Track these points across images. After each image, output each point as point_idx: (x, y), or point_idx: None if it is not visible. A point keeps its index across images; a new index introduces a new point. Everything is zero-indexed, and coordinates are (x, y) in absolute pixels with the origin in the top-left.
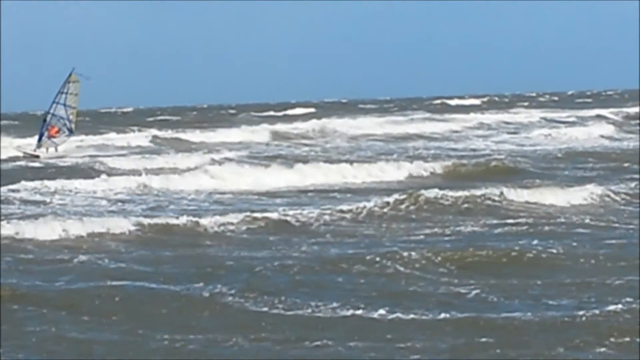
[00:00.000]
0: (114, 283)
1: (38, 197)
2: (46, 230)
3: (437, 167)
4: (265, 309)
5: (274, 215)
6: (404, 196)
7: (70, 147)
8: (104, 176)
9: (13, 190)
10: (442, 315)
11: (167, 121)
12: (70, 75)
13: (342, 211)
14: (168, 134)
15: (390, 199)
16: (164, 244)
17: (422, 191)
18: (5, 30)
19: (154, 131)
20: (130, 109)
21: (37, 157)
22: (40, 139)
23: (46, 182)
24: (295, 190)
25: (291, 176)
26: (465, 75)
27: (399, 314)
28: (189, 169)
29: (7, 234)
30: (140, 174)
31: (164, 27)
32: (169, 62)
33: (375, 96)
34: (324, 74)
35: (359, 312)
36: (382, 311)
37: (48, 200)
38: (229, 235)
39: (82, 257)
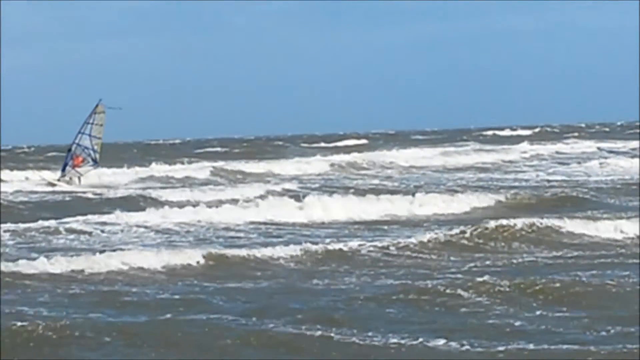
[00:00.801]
0: (183, 317)
1: (97, 229)
2: (108, 263)
3: (498, 198)
4: (337, 337)
5: (344, 247)
6: (468, 227)
7: (122, 179)
8: (166, 208)
9: (72, 222)
10: (501, 347)
11: (217, 153)
12: (97, 106)
13: (405, 242)
14: (225, 165)
15: (455, 231)
16: (227, 276)
17: (486, 222)
18: (56, 64)
19: (206, 163)
20: (177, 141)
21: (59, 185)
22: (64, 169)
23: (109, 215)
24: (358, 220)
25: (354, 207)
26: (511, 106)
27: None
28: (249, 200)
29: (75, 268)
30: (199, 205)
31: (204, 58)
32: (212, 93)
33: (421, 127)
34: (368, 105)
35: (414, 341)
36: (441, 341)
37: (106, 232)
38: (291, 266)
39: (144, 289)
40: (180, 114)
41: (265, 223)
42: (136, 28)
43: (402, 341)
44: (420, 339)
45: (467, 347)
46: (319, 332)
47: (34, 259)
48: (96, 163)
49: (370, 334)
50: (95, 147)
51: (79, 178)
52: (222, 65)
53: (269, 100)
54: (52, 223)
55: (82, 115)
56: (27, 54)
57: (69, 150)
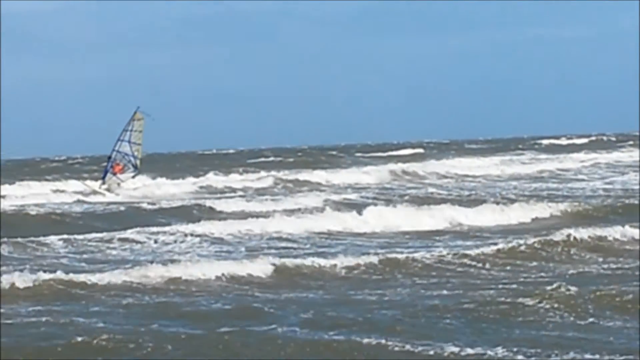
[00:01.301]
0: (240, 328)
1: (151, 240)
2: (163, 274)
3: (558, 207)
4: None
5: (401, 256)
6: (531, 237)
7: (177, 189)
8: (222, 218)
9: (127, 233)
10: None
11: (272, 162)
12: (135, 113)
13: (465, 252)
14: (282, 174)
15: (518, 241)
16: (283, 285)
17: (550, 232)
18: (104, 76)
19: (263, 173)
20: (231, 151)
21: (101, 192)
22: (104, 176)
23: (164, 226)
24: (417, 230)
25: (412, 216)
26: (563, 114)
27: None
28: (307, 210)
29: (129, 279)
30: (256, 215)
31: (255, 67)
32: (263, 103)
33: (473, 136)
34: (420, 114)
35: (470, 350)
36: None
37: (160, 242)
38: (348, 275)
39: (199, 300)
40: (231, 124)
41: (323, 233)
42: (188, 38)
43: (456, 349)
44: (478, 349)
45: (521, 356)
46: (375, 341)
47: (89, 269)
48: (137, 169)
49: (426, 343)
50: (136, 154)
51: (119, 185)
52: (272, 75)
53: (319, 110)
54: (107, 233)
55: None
56: (83, 65)
57: (109, 157)
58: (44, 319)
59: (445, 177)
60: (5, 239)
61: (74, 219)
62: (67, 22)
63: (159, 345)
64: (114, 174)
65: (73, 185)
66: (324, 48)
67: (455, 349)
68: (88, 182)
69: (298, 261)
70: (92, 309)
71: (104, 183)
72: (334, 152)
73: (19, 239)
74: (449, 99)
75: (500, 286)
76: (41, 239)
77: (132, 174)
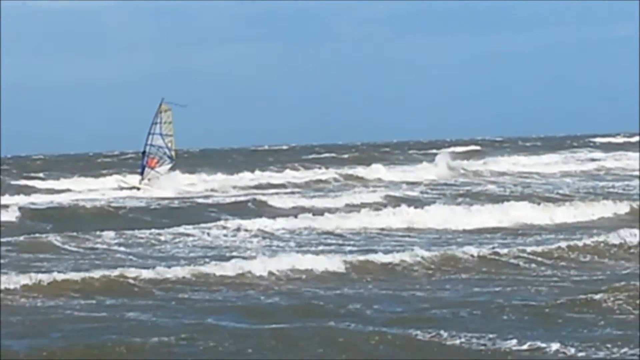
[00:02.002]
0: (297, 324)
1: (205, 235)
2: (216, 269)
3: (624, 205)
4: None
5: (461, 253)
6: (602, 236)
7: (230, 184)
8: (277, 214)
9: (181, 228)
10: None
11: (326, 158)
12: (160, 105)
13: (535, 249)
14: (337, 171)
15: (586, 238)
16: (356, 281)
17: (619, 230)
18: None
19: (319, 169)
20: (284, 147)
21: (142, 188)
22: (142, 172)
23: (218, 222)
24: (484, 228)
25: (470, 213)
26: (612, 112)
27: None
28: (364, 205)
29: (184, 275)
30: (313, 211)
31: (308, 65)
32: (314, 100)
33: (525, 134)
34: (470, 111)
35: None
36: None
37: (212, 237)
38: (426, 272)
39: (254, 295)
40: (281, 121)
41: (385, 229)
42: (242, 34)
43: (514, 343)
44: (537, 343)
45: (582, 353)
46: (428, 336)
47: (143, 265)
48: (172, 160)
49: (490, 337)
50: (169, 145)
51: (158, 178)
52: (326, 72)
53: (370, 107)
54: (162, 229)
55: (191, 120)
56: (134, 61)
57: (143, 153)
58: (94, 314)
59: (504, 174)
60: (60, 233)
61: (128, 214)
62: (122, 21)
63: (221, 341)
64: (152, 168)
65: (119, 180)
66: (374, 46)
67: (514, 342)
68: (128, 178)
69: (362, 257)
70: (144, 303)
71: (143, 178)
72: (387, 149)
73: (74, 233)
74: (499, 97)
75: (566, 283)
76: (96, 233)
77: (169, 166)
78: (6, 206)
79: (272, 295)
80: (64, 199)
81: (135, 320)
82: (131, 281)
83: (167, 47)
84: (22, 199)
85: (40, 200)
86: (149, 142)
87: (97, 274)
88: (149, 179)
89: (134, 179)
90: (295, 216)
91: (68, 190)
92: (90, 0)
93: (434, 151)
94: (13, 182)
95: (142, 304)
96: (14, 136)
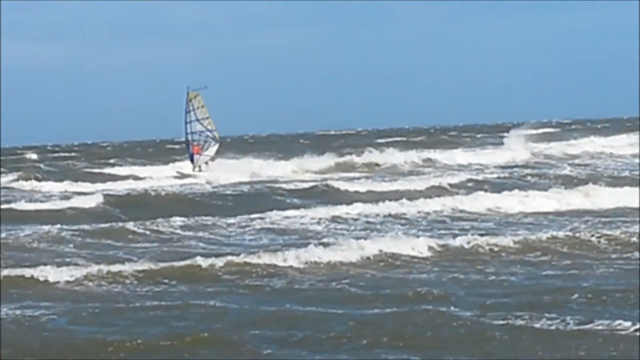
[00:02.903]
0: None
1: (281, 222)
2: (292, 256)
3: None
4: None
5: (554, 236)
6: None
7: (301, 169)
8: (358, 199)
9: (256, 216)
10: None
11: (399, 142)
12: (188, 94)
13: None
14: (418, 154)
15: None
16: (447, 266)
17: None
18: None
19: (398, 152)
20: (352, 131)
21: (196, 175)
22: (192, 160)
23: (292, 210)
24: (568, 210)
25: (565, 197)
26: None
27: None
28: (446, 189)
29: (263, 261)
30: (405, 196)
31: (369, 50)
32: (376, 85)
33: (582, 116)
34: (527, 94)
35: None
36: None
37: (287, 224)
38: (504, 256)
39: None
40: (344, 105)
41: (471, 212)
42: (301, 20)
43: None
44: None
45: None
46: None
47: (219, 251)
48: (217, 141)
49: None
50: (209, 127)
51: (207, 163)
52: (385, 58)
53: (431, 91)
54: (235, 216)
55: (253, 105)
56: (191, 48)
57: (186, 143)
58: (168, 302)
59: (577, 156)
60: (136, 220)
61: (203, 200)
62: (175, 6)
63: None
64: (199, 154)
65: (176, 168)
66: (437, 29)
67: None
68: (180, 167)
69: (449, 241)
70: (218, 289)
71: (195, 166)
72: (454, 132)
73: (149, 221)
74: (560, 79)
75: None
76: (171, 219)
77: (216, 146)
78: (87, 193)
79: (379, 280)
80: (137, 185)
81: (210, 308)
82: (207, 269)
83: (222, 32)
84: (97, 187)
85: (114, 187)
86: (188, 131)
87: (174, 262)
88: (199, 166)
89: (187, 167)
90: (375, 202)
91: (137, 177)
92: None
93: (504, 134)
94: (87, 170)
95: (218, 290)
96: (82, 124)
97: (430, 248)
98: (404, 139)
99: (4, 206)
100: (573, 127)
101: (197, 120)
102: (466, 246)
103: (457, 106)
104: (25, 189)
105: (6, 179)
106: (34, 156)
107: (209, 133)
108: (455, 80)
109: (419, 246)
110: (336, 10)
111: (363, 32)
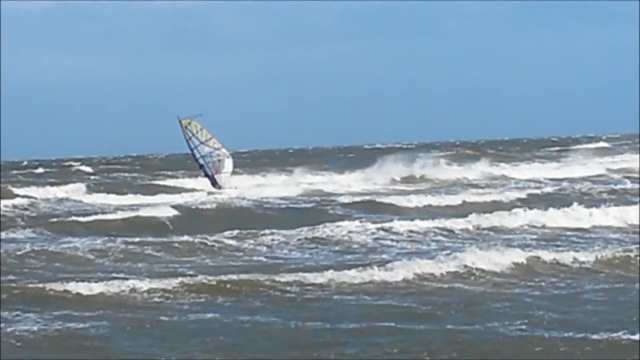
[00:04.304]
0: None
1: (336, 236)
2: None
3: None
4: None
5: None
6: None
7: (351, 183)
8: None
9: (307, 230)
10: None
11: (450, 156)
12: (180, 123)
13: None
14: (480, 168)
15: None
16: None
17: None
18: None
19: (456, 167)
20: (398, 145)
21: (224, 193)
22: (215, 181)
23: (348, 223)
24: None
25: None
26: None
27: None
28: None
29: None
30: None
31: (419, 60)
32: (423, 96)
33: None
34: (570, 108)
35: None
36: None
37: (347, 238)
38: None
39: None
40: (388, 118)
41: (552, 227)
42: (350, 31)
43: None
44: None
45: None
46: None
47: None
48: (228, 156)
49: None
50: (216, 146)
51: (229, 180)
52: (436, 68)
53: (477, 103)
54: (296, 229)
55: (301, 118)
56: (241, 61)
57: (201, 167)
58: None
59: None
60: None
61: (260, 213)
62: (226, 19)
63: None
64: (219, 174)
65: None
66: (482, 42)
67: None
68: (204, 189)
69: (542, 253)
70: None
71: (221, 187)
72: (501, 147)
73: (242, 231)
74: (612, 94)
75: None
76: (224, 233)
77: (229, 160)
78: (150, 205)
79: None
80: (193, 198)
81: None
82: (278, 284)
83: (271, 45)
84: (158, 199)
85: (174, 199)
86: (198, 156)
87: (243, 276)
88: (225, 184)
89: (210, 189)
90: (438, 216)
91: (194, 189)
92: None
93: (562, 148)
94: (144, 183)
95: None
96: (134, 135)
97: (516, 263)
98: (453, 152)
99: (73, 218)
100: (622, 142)
101: (202, 143)
102: (554, 259)
103: (502, 119)
104: (86, 201)
105: (65, 189)
106: (88, 169)
107: (218, 152)
108: (502, 94)
109: (506, 260)
110: (383, 23)
111: (409, 45)
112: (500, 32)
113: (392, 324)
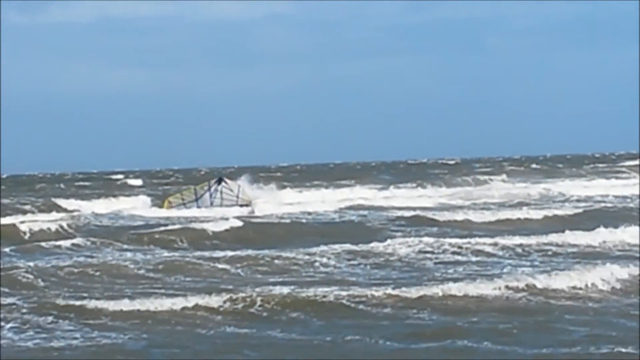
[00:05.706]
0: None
1: (389, 252)
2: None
3: None
4: None
5: None
6: None
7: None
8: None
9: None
10: None
11: (494, 172)
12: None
13: None
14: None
15: None
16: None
17: None
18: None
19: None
20: (451, 161)
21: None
22: (240, 205)
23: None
24: None
25: None
26: None
27: None
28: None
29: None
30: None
31: (461, 78)
32: (465, 113)
33: None
34: (607, 124)
35: None
36: None
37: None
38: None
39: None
40: (436, 133)
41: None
42: (395, 47)
43: None
44: None
45: None
46: None
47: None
48: (223, 181)
49: None
50: (205, 188)
51: (250, 199)
52: (478, 85)
53: (518, 120)
54: (359, 245)
55: (346, 133)
56: (285, 75)
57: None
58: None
59: None
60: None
61: (319, 228)
62: (271, 34)
63: None
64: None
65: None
66: (528, 59)
67: None
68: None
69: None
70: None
71: (247, 204)
72: (558, 164)
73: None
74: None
75: None
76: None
77: (238, 184)
78: (217, 219)
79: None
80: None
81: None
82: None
83: (316, 60)
84: (222, 212)
85: (232, 211)
86: (212, 199)
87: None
88: (252, 205)
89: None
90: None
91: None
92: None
93: (600, 166)
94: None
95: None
96: (179, 149)
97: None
98: (492, 169)
99: (151, 230)
100: None
101: (200, 197)
102: None
103: (543, 135)
104: (157, 215)
105: (127, 201)
106: (135, 182)
107: (215, 192)
108: (545, 110)
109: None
110: (428, 39)
111: (453, 61)
112: (543, 50)
113: None
